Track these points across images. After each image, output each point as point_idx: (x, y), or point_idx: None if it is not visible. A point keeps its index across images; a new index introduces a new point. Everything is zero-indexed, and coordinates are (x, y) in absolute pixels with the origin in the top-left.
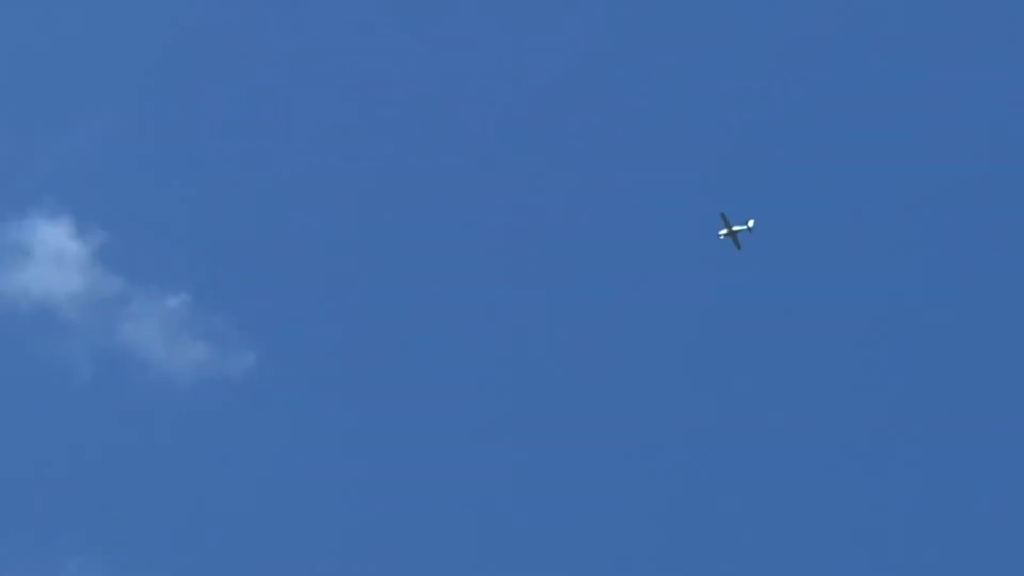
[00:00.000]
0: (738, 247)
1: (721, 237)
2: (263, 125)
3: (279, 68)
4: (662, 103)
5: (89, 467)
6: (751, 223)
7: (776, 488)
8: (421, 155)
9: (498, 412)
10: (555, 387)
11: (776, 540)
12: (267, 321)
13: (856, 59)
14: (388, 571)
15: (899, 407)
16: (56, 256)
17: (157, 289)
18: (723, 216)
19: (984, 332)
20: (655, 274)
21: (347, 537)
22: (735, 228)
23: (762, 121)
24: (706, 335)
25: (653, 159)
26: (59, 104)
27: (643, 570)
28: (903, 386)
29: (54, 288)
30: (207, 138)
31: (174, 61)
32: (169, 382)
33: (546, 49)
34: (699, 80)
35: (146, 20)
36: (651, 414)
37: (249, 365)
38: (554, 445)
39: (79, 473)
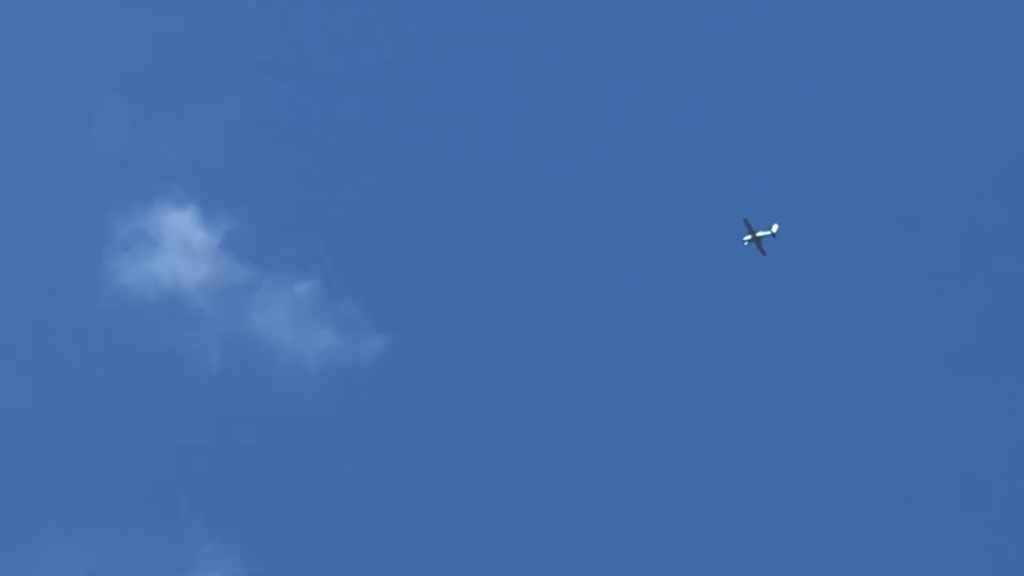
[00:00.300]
0: (762, 253)
1: (745, 243)
2: (389, 112)
3: (405, 57)
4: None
5: (219, 454)
6: (775, 228)
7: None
8: (545, 141)
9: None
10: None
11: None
12: (396, 305)
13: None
14: (517, 555)
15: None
16: (184, 245)
17: (285, 276)
18: (746, 221)
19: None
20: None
21: (473, 521)
22: (759, 233)
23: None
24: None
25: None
26: (184, 93)
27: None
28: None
29: (182, 277)
30: (332, 125)
31: (300, 49)
32: (298, 368)
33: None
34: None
35: (272, 9)
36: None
37: (378, 350)
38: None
39: (210, 460)
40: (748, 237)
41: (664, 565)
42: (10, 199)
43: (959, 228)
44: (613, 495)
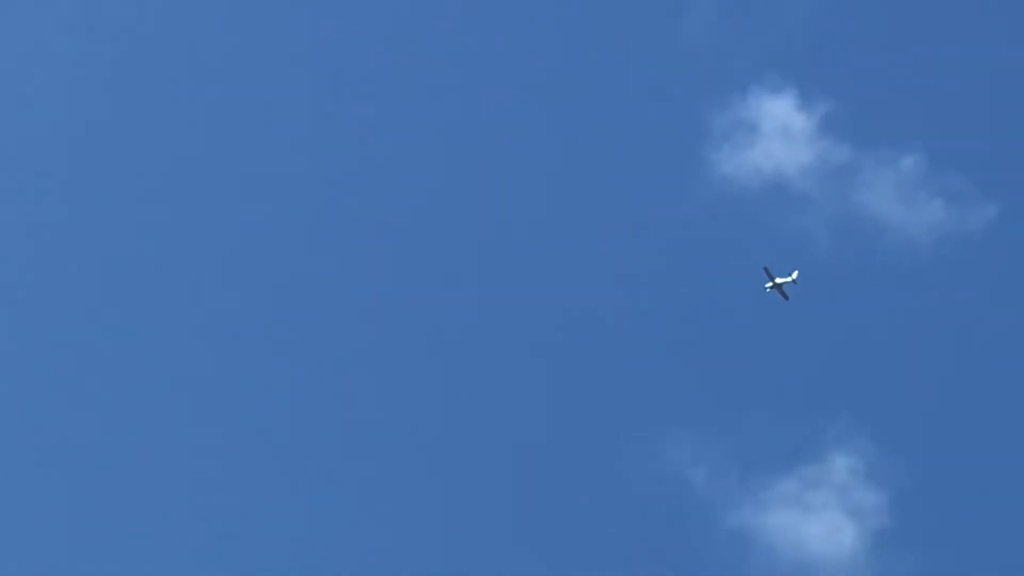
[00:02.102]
0: (785, 298)
1: (767, 290)
2: None
3: None
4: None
5: (821, 334)
6: (795, 275)
7: None
8: None
9: None
10: None
11: None
12: (1006, 172)
13: None
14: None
15: None
16: (783, 130)
17: (888, 152)
18: (766, 269)
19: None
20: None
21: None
22: (779, 280)
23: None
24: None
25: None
26: None
27: None
28: None
29: (784, 162)
30: None
31: None
32: (909, 244)
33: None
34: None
35: None
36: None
37: (990, 219)
38: None
39: (807, 340)
40: (770, 284)
41: None
42: (608, 101)
43: None
44: None
